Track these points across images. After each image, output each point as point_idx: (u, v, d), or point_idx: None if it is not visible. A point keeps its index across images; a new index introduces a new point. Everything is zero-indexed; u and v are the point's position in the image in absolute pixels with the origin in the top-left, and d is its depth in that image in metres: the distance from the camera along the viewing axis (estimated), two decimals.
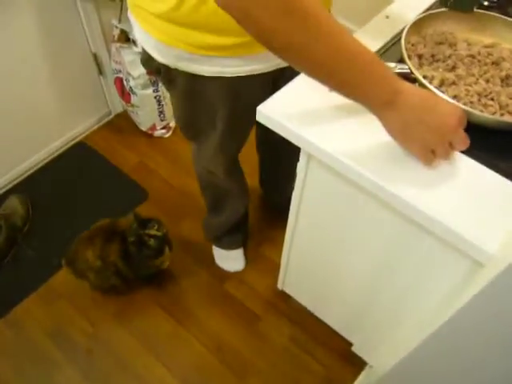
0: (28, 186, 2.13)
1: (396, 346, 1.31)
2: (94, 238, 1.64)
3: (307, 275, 1.53)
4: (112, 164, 2.22)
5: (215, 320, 1.76)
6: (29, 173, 2.18)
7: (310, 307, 1.69)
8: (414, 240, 1.00)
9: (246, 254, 1.92)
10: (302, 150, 1.05)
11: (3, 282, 1.86)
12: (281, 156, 1.62)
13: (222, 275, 1.87)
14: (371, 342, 1.50)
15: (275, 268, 1.70)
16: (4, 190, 2.11)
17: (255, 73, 1.07)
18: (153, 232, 1.55)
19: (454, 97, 0.95)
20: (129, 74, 2.02)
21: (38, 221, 2.02)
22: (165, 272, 1.81)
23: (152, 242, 1.54)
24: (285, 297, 1.77)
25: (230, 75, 1.05)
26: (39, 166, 2.20)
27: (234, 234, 1.85)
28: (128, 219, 1.62)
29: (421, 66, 1.01)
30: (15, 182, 2.14)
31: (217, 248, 1.90)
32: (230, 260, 1.87)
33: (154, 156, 2.26)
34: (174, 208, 2.07)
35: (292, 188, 1.21)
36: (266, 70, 1.08)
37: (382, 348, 1.46)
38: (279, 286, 1.75)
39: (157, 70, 1.11)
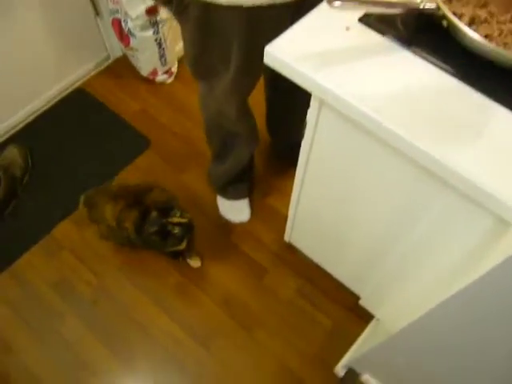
0: (26, 136, 2.06)
1: (407, 301, 1.27)
2: (119, 197, 1.53)
3: (315, 227, 1.48)
4: (112, 111, 2.13)
5: (221, 272, 1.73)
6: (26, 121, 2.09)
7: (318, 260, 1.65)
8: (433, 194, 0.93)
9: (251, 205, 1.86)
10: (313, 96, 0.96)
11: (4, 235, 1.82)
12: (290, 101, 1.52)
13: (227, 227, 1.82)
14: (379, 296, 1.47)
15: (282, 220, 1.65)
16: (1, 139, 2.03)
17: (277, 2, 0.97)
18: (176, 219, 1.43)
19: (486, 36, 0.85)
20: (126, 14, 1.89)
21: (38, 171, 1.96)
22: None
23: (177, 230, 1.42)
24: (292, 249, 1.73)
25: (249, 5, 0.95)
26: (37, 114, 2.11)
27: (240, 184, 1.79)
28: (159, 193, 1.53)
29: (450, 0, 0.90)
30: (12, 132, 2.06)
31: (221, 198, 1.84)
32: (235, 211, 1.82)
33: (156, 103, 2.16)
34: (177, 157, 2.00)
35: (302, 136, 1.13)
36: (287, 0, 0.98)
37: (389, 302, 1.43)
38: (286, 238, 1.70)
39: None
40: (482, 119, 0.81)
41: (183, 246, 1.51)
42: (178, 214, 1.44)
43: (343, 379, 1.47)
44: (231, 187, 1.79)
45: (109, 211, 1.53)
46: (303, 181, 1.29)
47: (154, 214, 1.43)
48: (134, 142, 2.04)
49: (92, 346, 1.60)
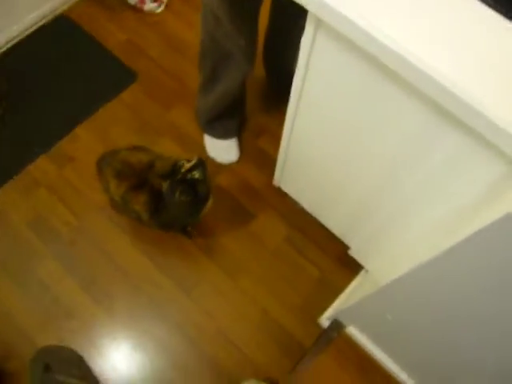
0: (3, 63, 1.91)
1: (397, 253, 1.19)
2: (122, 177, 1.38)
3: (306, 172, 1.38)
4: (97, 41, 1.97)
5: (205, 217, 1.64)
6: (3, 49, 1.94)
7: (308, 208, 1.56)
8: (440, 134, 0.82)
9: (240, 146, 1.75)
10: (308, 14, 0.84)
11: None
12: (294, 29, 1.37)
13: (214, 167, 1.72)
14: (369, 247, 1.39)
15: (273, 163, 1.55)
16: None
17: None
18: (187, 165, 1.27)
19: None
20: None
21: (16, 103, 1.83)
22: None
23: (198, 173, 1.28)
24: (281, 195, 1.64)
25: None
26: (14, 41, 1.95)
27: (228, 120, 1.68)
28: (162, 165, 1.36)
29: None
30: None
31: (209, 137, 1.73)
32: (223, 150, 1.71)
33: (144, 33, 2.00)
34: (165, 93, 1.87)
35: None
36: None
37: (380, 253, 1.35)
38: (275, 182, 1.60)
39: None
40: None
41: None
42: (185, 162, 1.28)
43: (327, 330, 1.42)
44: (219, 123, 1.67)
45: (113, 186, 1.41)
46: (295, 118, 1.18)
47: (165, 185, 1.30)
48: (120, 75, 1.90)
49: (70, 289, 1.54)
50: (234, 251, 1.59)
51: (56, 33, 1.99)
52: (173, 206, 1.33)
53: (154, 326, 1.49)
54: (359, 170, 1.14)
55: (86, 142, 1.78)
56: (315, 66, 0.95)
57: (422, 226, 1.06)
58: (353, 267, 1.53)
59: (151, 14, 2.04)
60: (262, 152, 1.75)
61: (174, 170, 1.27)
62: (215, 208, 1.64)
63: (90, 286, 1.54)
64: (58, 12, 2.03)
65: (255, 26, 1.35)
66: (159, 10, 2.05)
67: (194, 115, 1.78)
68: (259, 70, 1.79)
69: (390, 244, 1.26)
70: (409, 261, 1.12)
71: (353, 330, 1.32)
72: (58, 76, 1.89)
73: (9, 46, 1.94)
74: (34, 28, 1.99)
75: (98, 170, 1.48)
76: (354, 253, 1.50)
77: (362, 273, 1.51)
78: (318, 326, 1.47)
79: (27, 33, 1.97)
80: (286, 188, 1.59)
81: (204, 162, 1.29)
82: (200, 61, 1.50)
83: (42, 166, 1.73)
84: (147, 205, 1.36)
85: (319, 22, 0.83)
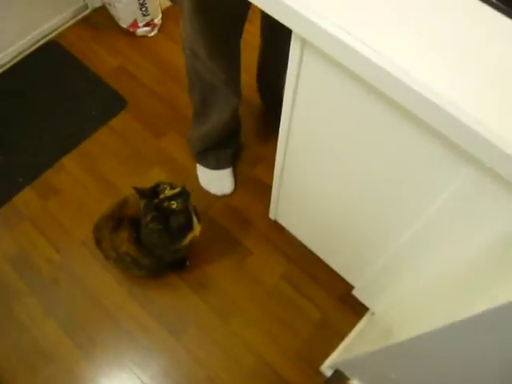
0: None
1: (405, 297, 1.06)
2: (103, 229, 1.32)
3: (302, 204, 1.26)
4: (87, 67, 1.90)
5: (200, 254, 1.52)
6: None
7: (307, 242, 1.43)
8: (446, 167, 0.70)
9: (236, 176, 1.64)
10: (293, 34, 0.73)
11: None
12: (285, 53, 1.29)
13: (208, 200, 1.61)
14: (374, 287, 1.26)
15: (270, 194, 1.43)
16: None
17: None
18: (169, 192, 1.15)
19: None
20: None
21: (2, 132, 1.75)
22: None
23: (176, 203, 1.14)
24: (278, 228, 1.51)
25: None
26: (4, 68, 1.88)
27: (222, 150, 1.57)
28: (136, 199, 1.22)
29: None
30: None
31: (202, 167, 1.62)
32: (217, 181, 1.60)
33: (136, 58, 1.92)
34: (156, 119, 1.77)
35: None
36: None
37: (387, 295, 1.22)
38: (271, 215, 1.49)
39: None
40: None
41: (196, 225, 1.27)
42: (168, 187, 1.16)
43: (329, 380, 1.28)
44: (212, 153, 1.57)
45: (105, 245, 1.33)
46: (287, 145, 1.07)
47: (142, 202, 1.18)
48: (110, 102, 1.81)
49: (50, 331, 1.42)
50: (227, 290, 1.47)
51: (45, 59, 1.92)
52: (145, 230, 1.22)
53: (139, 371, 1.36)
54: (359, 204, 1.02)
55: (73, 173, 1.68)
56: (304, 88, 0.85)
57: (430, 270, 0.93)
58: (357, 309, 1.40)
59: (144, 37, 1.97)
60: (258, 182, 1.63)
61: (154, 192, 1.15)
62: (208, 242, 1.53)
63: (71, 328, 1.42)
64: (48, 38, 1.97)
65: (237, 60, 1.29)
66: (152, 34, 1.97)
67: (186, 143, 1.68)
68: (256, 97, 1.69)
69: (397, 286, 1.12)
70: (418, 307, 0.99)
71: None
72: (46, 103, 1.81)
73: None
74: (23, 55, 1.92)
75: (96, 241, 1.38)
76: (358, 293, 1.37)
77: (368, 315, 1.37)
78: (320, 374, 1.33)
79: (16, 60, 1.91)
80: (282, 221, 1.47)
81: (187, 193, 1.18)
82: (189, 92, 1.42)
83: (26, 198, 1.63)
84: (129, 237, 1.25)
85: (304, 42, 0.73)
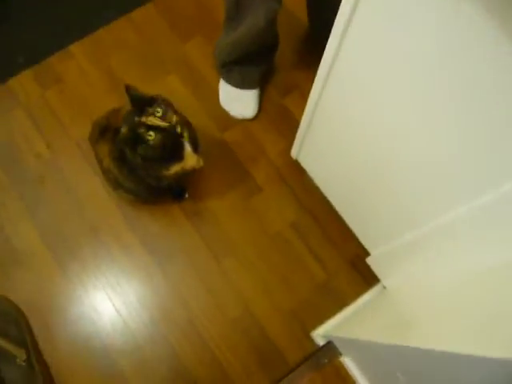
0: None
1: (424, 283, 0.87)
2: (92, 137, 1.15)
3: (332, 148, 1.04)
4: None
5: (202, 181, 1.34)
6: None
7: (328, 193, 1.23)
8: None
9: (261, 101, 1.41)
10: None
11: None
12: None
13: (225, 121, 1.40)
14: (392, 261, 1.06)
15: (296, 129, 1.22)
16: None
17: None
18: (152, 121, 0.94)
19: None
20: None
21: (6, 4, 1.54)
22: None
23: (153, 138, 0.94)
24: (298, 170, 1.31)
25: None
26: None
27: (250, 67, 1.34)
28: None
29: None
30: None
31: (224, 83, 1.40)
32: (239, 102, 1.38)
33: None
34: (185, 19, 1.53)
35: None
36: None
37: (402, 272, 1.03)
38: (293, 153, 1.27)
39: None
40: None
41: (188, 156, 1.05)
42: (160, 112, 0.95)
43: (320, 351, 1.12)
44: (238, 69, 1.34)
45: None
46: (328, 77, 0.85)
47: (126, 110, 0.97)
48: None
49: (27, 233, 1.28)
50: (225, 225, 1.29)
51: None
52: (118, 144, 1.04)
53: (114, 295, 1.23)
54: (403, 167, 0.80)
55: (80, 63, 1.47)
56: (362, 14, 0.61)
57: (464, 264, 0.73)
58: (367, 277, 1.21)
59: None
60: (285, 113, 1.41)
61: (143, 105, 0.95)
62: (215, 169, 1.34)
63: (49, 234, 1.28)
64: None
65: None
66: None
67: (212, 52, 1.45)
68: (302, 15, 1.43)
69: (418, 267, 0.92)
70: (437, 298, 0.80)
71: (349, 363, 1.01)
72: None
73: None
74: None
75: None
76: (372, 262, 1.18)
77: (378, 287, 1.19)
78: (310, 340, 1.17)
79: None
80: (304, 163, 1.26)
81: (175, 135, 0.98)
82: None
83: (24, 82, 1.45)
84: (111, 152, 1.07)
85: None
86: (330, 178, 1.18)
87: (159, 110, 0.95)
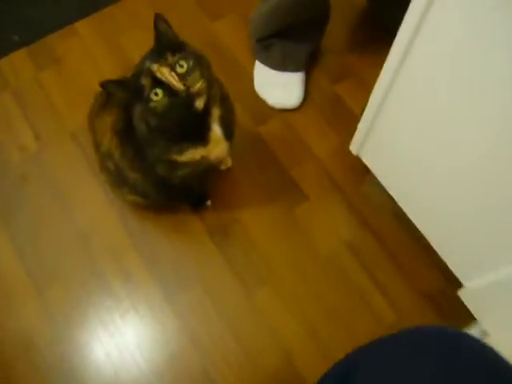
0: None
1: None
2: (93, 111, 0.84)
3: (410, 140, 0.73)
4: None
5: (234, 187, 1.03)
6: None
7: (400, 200, 0.90)
8: None
9: (307, 87, 1.12)
10: None
11: None
12: None
13: (261, 112, 1.10)
14: (498, 299, 0.72)
15: (352, 120, 0.93)
16: None
17: None
18: (164, 73, 0.64)
19: None
20: None
21: None
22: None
23: (158, 97, 0.64)
24: (358, 172, 1.00)
25: None
26: None
27: (293, 44, 1.07)
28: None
29: None
30: None
31: (261, 65, 1.11)
32: (279, 88, 1.09)
33: None
34: None
35: None
36: None
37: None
38: (352, 147, 0.96)
39: None
40: None
41: (215, 140, 0.75)
42: (182, 69, 0.64)
43: None
44: (278, 45, 1.06)
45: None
46: (402, 62, 0.64)
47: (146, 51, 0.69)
48: None
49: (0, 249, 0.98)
50: (259, 245, 0.97)
51: None
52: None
53: (104, 336, 0.90)
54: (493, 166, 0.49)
55: (85, 40, 1.21)
56: None
57: None
58: (455, 318, 0.87)
59: None
60: (338, 102, 1.11)
61: (167, 48, 0.66)
62: (247, 172, 1.03)
63: (28, 251, 0.98)
64: None
65: None
66: None
67: (245, 31, 1.17)
68: None
69: None
70: None
71: None
72: None
73: None
74: None
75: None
76: (466, 296, 0.83)
77: (474, 332, 0.84)
78: None
79: None
80: (368, 160, 0.94)
81: (204, 114, 0.70)
82: None
83: (16, 62, 1.19)
84: (116, 124, 0.77)
85: None
86: (403, 178, 0.86)
87: (183, 63, 0.65)
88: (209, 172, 0.87)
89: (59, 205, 1.01)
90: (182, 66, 0.65)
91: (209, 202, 1.00)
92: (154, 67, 0.64)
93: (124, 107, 0.74)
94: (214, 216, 1.00)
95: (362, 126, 0.88)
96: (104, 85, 0.65)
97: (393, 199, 0.92)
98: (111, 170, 0.83)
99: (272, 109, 1.10)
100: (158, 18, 0.66)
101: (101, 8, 1.25)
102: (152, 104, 0.65)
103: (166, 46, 0.65)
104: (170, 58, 0.65)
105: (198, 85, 0.65)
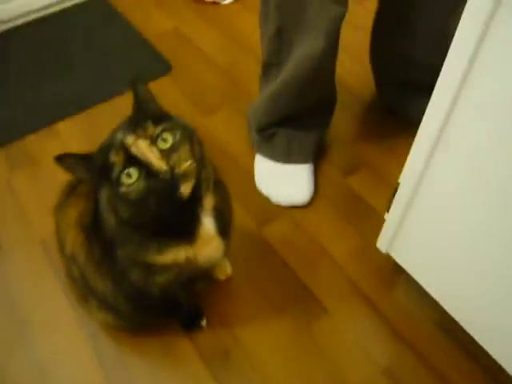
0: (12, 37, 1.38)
1: None
2: (59, 202, 0.68)
3: (451, 227, 0.59)
4: (132, 26, 1.39)
5: (234, 301, 0.84)
6: (23, 20, 1.41)
7: (448, 305, 0.72)
8: None
9: (316, 180, 0.98)
10: None
11: None
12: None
13: (264, 212, 0.95)
14: None
15: (371, 215, 0.81)
16: None
17: None
18: (141, 148, 0.50)
19: None
20: None
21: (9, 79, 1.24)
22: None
23: (131, 179, 0.49)
24: (386, 272, 0.82)
25: None
26: (39, 14, 1.44)
27: (301, 130, 0.94)
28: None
29: None
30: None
31: (263, 158, 0.99)
32: (285, 183, 0.95)
33: (198, 23, 1.41)
34: (208, 91, 1.20)
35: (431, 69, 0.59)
36: None
37: None
38: (380, 244, 0.79)
39: None
40: None
41: (207, 236, 0.60)
42: (167, 144, 0.51)
43: None
44: (284, 132, 0.94)
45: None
46: (436, 144, 0.57)
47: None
48: (148, 65, 1.29)
49: None
50: (267, 373, 0.75)
51: (85, 13, 1.46)
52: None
53: None
54: None
55: (65, 140, 1.10)
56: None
57: None
58: None
59: (216, 4, 1.45)
60: (352, 195, 0.96)
61: (146, 118, 0.53)
62: (249, 282, 0.85)
63: None
64: None
65: None
66: (226, 2, 1.46)
67: (242, 125, 1.07)
68: (360, 67, 1.10)
69: None
70: None
71: None
72: (70, 57, 1.33)
73: (28, 19, 1.43)
74: (65, 6, 1.47)
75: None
76: None
77: None
78: None
79: (55, 9, 1.46)
80: (401, 257, 0.76)
81: (192, 203, 0.56)
82: (262, 20, 0.86)
83: None
84: (82, 216, 0.60)
85: None
86: (453, 274, 0.68)
87: (168, 136, 0.52)
88: (196, 280, 0.69)
89: (16, 330, 0.80)
90: (165, 140, 0.51)
91: (204, 322, 0.80)
92: (129, 140, 0.49)
93: (94, 196, 0.58)
94: (210, 338, 0.79)
95: (391, 218, 0.72)
96: (60, 158, 0.50)
97: (432, 305, 0.73)
98: (76, 277, 0.64)
99: (277, 207, 0.95)
100: (137, 82, 0.53)
101: (86, 107, 1.16)
102: (123, 189, 0.49)
103: (147, 114, 0.52)
104: (151, 129, 0.51)
105: (186, 165, 0.51)
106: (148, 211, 0.52)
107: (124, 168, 0.49)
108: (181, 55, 1.29)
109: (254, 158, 1.01)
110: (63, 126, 1.13)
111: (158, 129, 0.51)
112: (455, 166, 0.58)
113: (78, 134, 1.11)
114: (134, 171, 0.49)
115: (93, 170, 0.51)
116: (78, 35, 1.37)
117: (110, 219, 0.54)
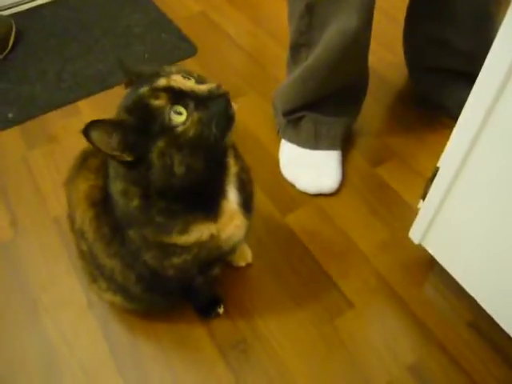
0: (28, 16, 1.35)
1: None
2: (70, 174, 0.64)
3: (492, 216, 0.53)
4: (157, 8, 1.36)
5: (253, 289, 0.80)
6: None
7: (478, 293, 0.67)
8: None
9: (344, 168, 0.93)
10: None
11: None
12: None
13: (289, 199, 0.91)
14: None
15: (401, 206, 0.75)
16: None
17: None
18: (180, 82, 0.48)
19: None
20: None
21: (23, 60, 1.22)
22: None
23: (182, 116, 0.46)
24: (417, 266, 0.77)
25: None
26: None
27: (329, 115, 0.89)
28: None
29: None
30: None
31: (288, 144, 0.94)
32: (312, 170, 0.90)
33: (226, 8, 1.37)
34: (233, 75, 1.17)
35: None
36: None
37: None
38: (413, 235, 0.74)
39: None
40: None
41: (230, 213, 0.56)
42: (193, 79, 0.49)
43: None
44: (312, 116, 0.90)
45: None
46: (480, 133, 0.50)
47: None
48: (172, 47, 1.25)
49: None
50: (288, 366, 0.71)
51: None
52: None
53: None
54: None
55: (85, 119, 1.06)
56: None
57: None
58: None
59: None
60: (382, 187, 0.91)
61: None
62: (271, 272, 0.80)
63: None
64: None
65: None
66: None
67: (267, 111, 1.03)
68: (393, 57, 1.05)
69: None
70: None
71: None
72: (91, 36, 1.29)
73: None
74: None
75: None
76: None
77: None
78: None
79: None
80: (435, 250, 0.71)
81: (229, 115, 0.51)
82: (290, 4, 0.83)
83: (6, 141, 1.04)
84: (93, 190, 0.57)
85: None
86: (492, 273, 0.63)
87: (188, 76, 0.50)
88: (213, 264, 0.64)
89: (27, 309, 0.78)
90: (189, 78, 0.49)
91: (221, 309, 0.76)
92: (162, 81, 0.45)
93: (103, 170, 0.55)
94: (227, 327, 0.75)
95: (427, 206, 0.67)
96: (93, 125, 0.46)
97: (465, 304, 0.68)
98: (85, 252, 0.61)
99: (302, 194, 0.90)
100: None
101: (108, 87, 1.13)
102: (179, 129, 0.45)
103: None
104: (163, 80, 0.47)
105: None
106: (207, 152, 0.48)
107: (171, 105, 0.45)
108: (207, 38, 1.25)
109: (278, 144, 0.97)
110: (84, 105, 1.10)
111: (170, 76, 0.48)
112: (502, 148, 0.53)
113: (99, 113, 1.06)
114: (180, 108, 0.45)
115: (131, 135, 0.46)
116: (104, 15, 1.34)
117: (131, 199, 0.50)
